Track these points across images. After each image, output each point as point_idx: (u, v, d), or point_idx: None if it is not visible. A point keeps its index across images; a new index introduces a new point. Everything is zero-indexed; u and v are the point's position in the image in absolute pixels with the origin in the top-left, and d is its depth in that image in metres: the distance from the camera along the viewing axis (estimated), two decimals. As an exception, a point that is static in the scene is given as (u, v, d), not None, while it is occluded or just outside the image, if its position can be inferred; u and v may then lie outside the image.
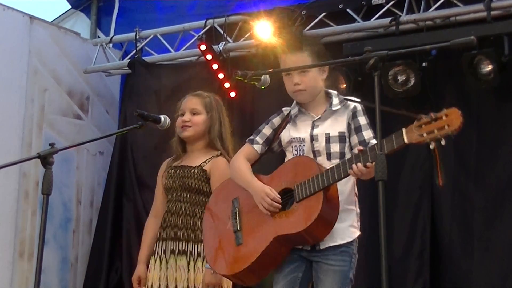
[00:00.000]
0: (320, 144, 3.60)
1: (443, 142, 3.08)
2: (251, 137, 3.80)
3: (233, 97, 6.70)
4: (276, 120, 3.78)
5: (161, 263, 4.16)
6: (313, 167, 3.48)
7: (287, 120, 3.74)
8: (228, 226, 3.69)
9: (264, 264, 3.59)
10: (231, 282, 4.11)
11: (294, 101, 3.74)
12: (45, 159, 3.30)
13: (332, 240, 3.53)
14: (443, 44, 3.16)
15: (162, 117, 3.97)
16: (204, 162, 4.18)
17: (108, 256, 7.09)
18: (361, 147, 3.37)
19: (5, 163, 3.48)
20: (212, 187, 4.13)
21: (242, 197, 3.70)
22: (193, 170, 4.17)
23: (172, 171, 4.26)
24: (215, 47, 6.71)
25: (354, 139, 3.60)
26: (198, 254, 4.10)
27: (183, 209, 4.16)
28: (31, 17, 6.97)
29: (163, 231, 4.21)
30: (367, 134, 3.59)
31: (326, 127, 3.62)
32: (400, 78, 5.86)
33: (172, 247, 4.15)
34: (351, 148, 3.61)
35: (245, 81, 3.60)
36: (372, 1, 6.10)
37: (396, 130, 3.21)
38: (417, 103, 5.93)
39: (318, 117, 3.64)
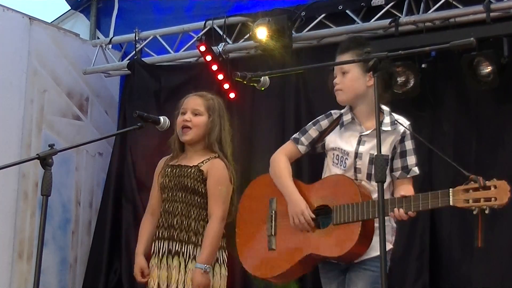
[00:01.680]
0: (363, 163, 3.64)
1: (487, 212, 3.18)
2: (296, 136, 3.83)
3: (233, 98, 6.70)
4: (324, 123, 3.79)
5: (160, 262, 4.14)
6: (355, 193, 3.53)
7: (335, 124, 3.76)
8: (262, 227, 3.78)
9: (293, 274, 3.74)
10: (225, 283, 4.12)
11: (347, 107, 3.77)
12: (45, 160, 3.29)
13: (367, 254, 3.60)
14: (442, 45, 3.16)
15: (161, 118, 3.95)
16: (202, 162, 4.15)
17: (107, 257, 7.08)
18: (404, 194, 3.44)
19: (5, 164, 3.46)
20: (208, 189, 4.09)
21: (280, 200, 3.76)
22: (190, 170, 4.14)
23: (169, 169, 4.22)
24: (214, 48, 6.71)
25: (397, 163, 3.66)
26: (189, 256, 4.08)
27: (179, 209, 4.13)
28: (31, 18, 6.97)
29: (159, 230, 4.19)
30: (411, 160, 3.66)
31: (372, 146, 3.63)
32: (400, 79, 5.86)
33: (168, 247, 4.13)
34: (391, 170, 3.66)
35: (245, 82, 3.60)
36: (372, 2, 6.09)
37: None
38: (416, 104, 5.93)
39: (366, 133, 3.66)
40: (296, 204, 3.63)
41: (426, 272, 5.83)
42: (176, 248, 4.10)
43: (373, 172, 3.58)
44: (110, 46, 7.48)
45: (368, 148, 3.64)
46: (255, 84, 3.67)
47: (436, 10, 5.91)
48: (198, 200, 4.12)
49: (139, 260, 4.22)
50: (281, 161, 3.80)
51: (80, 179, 7.33)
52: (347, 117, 3.72)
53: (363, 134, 3.67)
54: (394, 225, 3.74)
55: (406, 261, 5.91)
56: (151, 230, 4.26)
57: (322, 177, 3.80)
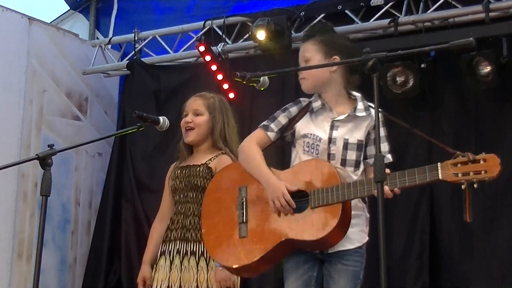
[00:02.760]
0: (337, 149, 3.55)
1: (475, 186, 3.09)
2: (265, 123, 3.70)
3: (232, 98, 6.69)
4: (293, 110, 3.68)
5: (170, 264, 4.15)
6: (334, 176, 3.41)
7: (304, 111, 3.67)
8: (232, 215, 3.60)
9: (266, 262, 3.54)
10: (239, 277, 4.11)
11: (315, 94, 3.69)
12: (44, 161, 3.29)
13: (342, 245, 3.52)
14: (441, 45, 3.15)
15: (161, 118, 3.96)
16: (210, 160, 4.19)
17: (107, 257, 7.08)
18: (389, 170, 3.27)
19: (4, 164, 3.47)
20: None
21: (251, 187, 3.60)
22: (198, 168, 4.18)
23: (179, 171, 4.27)
24: (213, 48, 6.72)
25: (371, 149, 3.58)
26: (202, 254, 4.11)
27: (191, 209, 4.17)
28: (30, 18, 6.97)
29: (171, 232, 4.21)
30: (384, 147, 3.56)
31: (346, 131, 3.57)
32: (399, 79, 5.87)
33: (180, 248, 4.14)
34: (365, 157, 3.59)
35: (244, 82, 3.57)
36: (371, 2, 6.10)
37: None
38: (416, 104, 5.94)
39: (339, 118, 3.58)
40: (275, 187, 3.47)
41: (426, 272, 5.83)
42: (192, 249, 4.11)
43: (347, 157, 3.53)
44: (109, 46, 7.48)
45: (342, 133, 3.56)
46: (255, 84, 3.65)
47: (435, 10, 5.91)
48: None
49: (145, 269, 4.25)
50: (252, 148, 3.64)
51: (80, 179, 7.32)
52: (316, 104, 3.64)
53: (335, 119, 3.58)
54: (368, 215, 3.63)
55: (406, 260, 5.91)
56: (159, 238, 4.28)
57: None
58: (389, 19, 5.99)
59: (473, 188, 3.10)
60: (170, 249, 4.18)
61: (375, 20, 6.14)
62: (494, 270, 5.62)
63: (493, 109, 5.83)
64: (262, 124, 3.72)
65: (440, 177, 3.16)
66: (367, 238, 3.62)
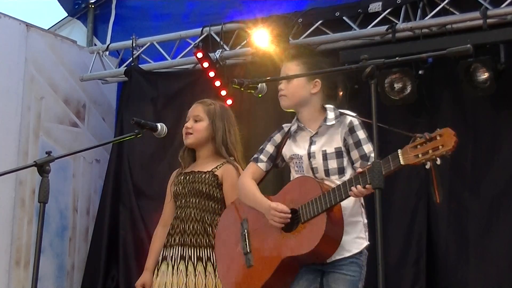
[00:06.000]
0: (318, 162, 3.67)
1: (438, 162, 3.12)
2: (255, 156, 3.88)
3: (230, 105, 6.69)
4: (277, 137, 3.86)
5: (169, 269, 4.15)
6: (316, 187, 3.55)
7: (287, 136, 3.81)
8: (238, 249, 3.80)
9: (275, 284, 3.69)
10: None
11: (295, 117, 3.82)
12: (42, 168, 3.30)
13: (339, 253, 3.59)
14: (439, 52, 3.16)
15: (158, 125, 3.97)
16: (216, 167, 4.21)
17: (105, 264, 7.07)
18: (360, 169, 3.43)
19: (2, 171, 3.47)
20: (225, 194, 4.18)
21: (250, 218, 3.80)
22: (203, 175, 4.20)
23: (182, 177, 4.28)
24: (211, 54, 6.72)
25: (355, 153, 3.66)
26: (208, 259, 4.11)
27: (192, 215, 4.17)
28: (28, 25, 6.97)
29: (171, 237, 4.22)
30: (368, 148, 3.64)
31: (322, 143, 3.68)
32: (397, 85, 5.87)
33: (181, 253, 4.15)
34: (352, 163, 3.67)
35: (242, 89, 3.62)
36: (369, 9, 6.11)
37: (393, 141, 3.21)
38: (413, 111, 5.95)
39: (315, 132, 3.69)
40: (268, 207, 3.65)
41: (423, 278, 5.83)
42: (190, 253, 4.12)
43: (329, 167, 3.64)
44: (107, 52, 7.48)
45: (319, 146, 3.68)
46: (252, 91, 3.69)
47: (433, 16, 5.92)
48: (212, 205, 4.17)
49: (146, 276, 4.28)
50: (246, 182, 3.85)
51: (77, 186, 7.32)
52: (293, 127, 3.79)
53: (312, 135, 3.71)
54: (366, 221, 3.71)
55: (402, 267, 5.91)
56: (161, 244, 4.30)
57: None
58: (387, 26, 6.00)
59: (438, 166, 3.11)
60: (171, 254, 4.18)
61: (372, 26, 6.15)
62: (491, 276, 5.62)
63: (491, 116, 5.83)
64: (252, 157, 3.91)
65: (402, 162, 3.21)
66: (365, 244, 3.68)
